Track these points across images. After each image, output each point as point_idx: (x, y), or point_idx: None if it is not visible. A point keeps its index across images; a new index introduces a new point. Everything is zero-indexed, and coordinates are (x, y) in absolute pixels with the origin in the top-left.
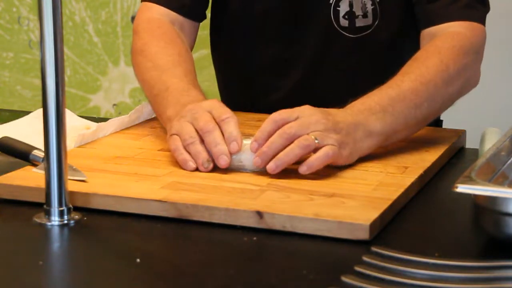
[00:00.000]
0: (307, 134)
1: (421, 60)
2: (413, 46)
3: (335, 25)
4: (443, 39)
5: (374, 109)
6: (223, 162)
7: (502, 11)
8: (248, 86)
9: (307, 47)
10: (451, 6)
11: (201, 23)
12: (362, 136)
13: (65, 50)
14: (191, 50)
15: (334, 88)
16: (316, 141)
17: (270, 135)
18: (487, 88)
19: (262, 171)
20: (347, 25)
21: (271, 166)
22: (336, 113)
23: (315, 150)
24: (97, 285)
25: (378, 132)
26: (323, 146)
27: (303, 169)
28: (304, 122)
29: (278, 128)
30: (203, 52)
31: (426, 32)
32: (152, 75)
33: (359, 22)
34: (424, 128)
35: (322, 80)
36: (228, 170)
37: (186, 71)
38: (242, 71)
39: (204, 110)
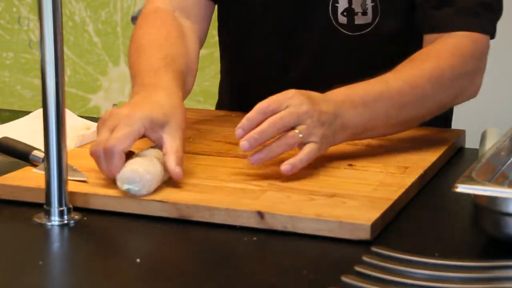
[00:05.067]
0: (294, 128)
1: (418, 61)
2: (416, 45)
3: (334, 22)
4: (444, 46)
5: (356, 103)
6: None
7: (503, 12)
8: (249, 80)
9: (306, 44)
10: (456, 16)
11: (202, 24)
12: (338, 128)
13: (65, 50)
14: (206, 32)
15: (334, 86)
16: (300, 136)
17: (257, 124)
18: (487, 88)
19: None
20: (345, 22)
21: (255, 159)
22: (321, 102)
23: (299, 144)
24: (97, 285)
25: (354, 126)
26: (306, 143)
27: (287, 168)
28: (294, 112)
29: (266, 118)
30: (203, 52)
31: (429, 37)
32: (133, 59)
33: (359, 20)
34: (424, 128)
35: (322, 77)
36: (227, 170)
37: (166, 53)
38: (244, 64)
39: (109, 126)
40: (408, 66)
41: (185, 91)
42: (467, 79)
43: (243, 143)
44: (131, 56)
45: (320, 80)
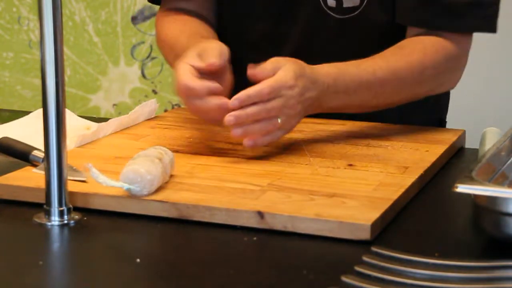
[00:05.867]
0: (278, 116)
1: (406, 52)
2: (403, 32)
3: (323, 5)
4: (431, 41)
5: (340, 89)
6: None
7: (502, 12)
8: (240, 64)
9: (295, 27)
10: (442, 15)
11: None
12: (313, 108)
13: (65, 50)
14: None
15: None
16: (279, 122)
17: (251, 102)
18: (487, 88)
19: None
20: (334, 5)
21: (238, 132)
22: (309, 86)
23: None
24: (97, 285)
25: (329, 108)
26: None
27: (249, 143)
28: (282, 106)
29: (261, 101)
30: None
31: (412, 29)
32: (169, 55)
33: (347, 3)
34: (424, 128)
35: (311, 62)
36: (227, 170)
37: (191, 33)
38: (234, 48)
39: (186, 63)
40: (396, 56)
41: None
42: (446, 76)
43: (230, 118)
44: (167, 56)
45: (309, 63)
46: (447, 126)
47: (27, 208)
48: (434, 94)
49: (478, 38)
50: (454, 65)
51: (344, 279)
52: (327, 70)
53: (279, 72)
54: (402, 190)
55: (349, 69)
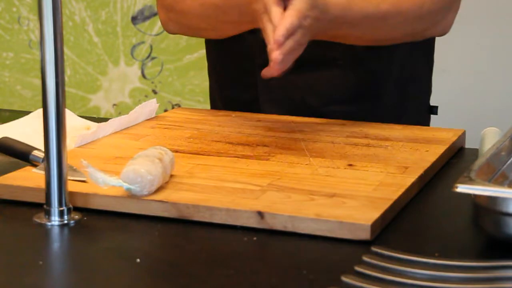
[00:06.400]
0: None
1: None
2: None
3: None
4: None
5: (347, 20)
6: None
7: (503, 12)
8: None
9: None
10: None
11: None
12: (316, 36)
13: (65, 50)
14: None
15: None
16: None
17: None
18: (487, 88)
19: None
20: None
21: (281, 66)
22: (320, 17)
23: None
24: (97, 285)
25: (332, 35)
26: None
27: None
28: (304, 35)
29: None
30: (203, 52)
31: None
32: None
33: None
34: (424, 128)
35: None
36: (227, 170)
37: None
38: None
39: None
40: None
41: None
42: (441, 14)
43: (279, 57)
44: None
45: None
46: (445, 125)
47: (27, 208)
48: (428, 36)
49: (478, 38)
50: (449, 4)
51: (344, 279)
52: (337, 1)
53: (295, 2)
54: (402, 190)
55: (355, 1)
